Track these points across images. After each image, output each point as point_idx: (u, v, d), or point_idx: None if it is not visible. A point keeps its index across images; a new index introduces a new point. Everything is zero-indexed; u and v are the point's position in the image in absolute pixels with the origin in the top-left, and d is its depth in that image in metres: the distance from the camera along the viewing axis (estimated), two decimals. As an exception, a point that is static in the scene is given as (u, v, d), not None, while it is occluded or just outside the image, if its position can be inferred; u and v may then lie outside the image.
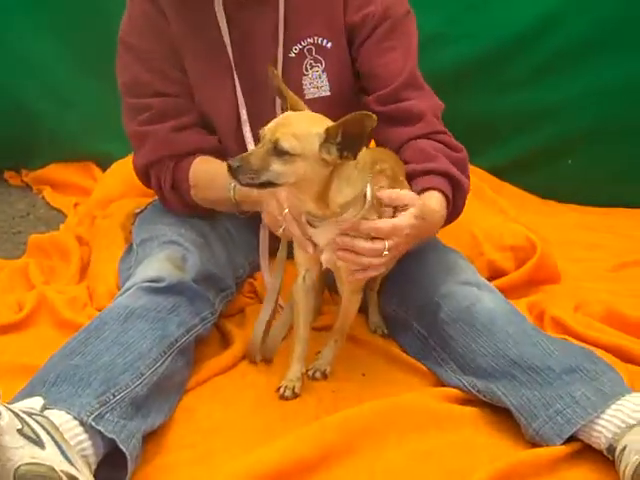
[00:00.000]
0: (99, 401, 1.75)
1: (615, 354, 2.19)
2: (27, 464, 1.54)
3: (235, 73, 2.32)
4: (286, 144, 1.73)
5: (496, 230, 2.75)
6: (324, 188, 1.81)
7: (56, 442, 1.61)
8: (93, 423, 1.70)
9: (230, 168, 1.74)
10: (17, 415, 1.59)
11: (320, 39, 2.29)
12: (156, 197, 2.51)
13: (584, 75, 3.35)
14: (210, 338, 2.26)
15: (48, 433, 1.61)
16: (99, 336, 1.93)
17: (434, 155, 2.18)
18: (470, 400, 2.04)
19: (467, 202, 2.29)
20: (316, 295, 2.30)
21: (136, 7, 2.34)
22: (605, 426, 1.79)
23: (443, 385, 2.11)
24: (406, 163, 2.19)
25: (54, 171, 3.75)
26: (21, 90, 3.66)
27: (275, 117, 2.26)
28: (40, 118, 3.69)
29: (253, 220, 2.36)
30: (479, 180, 3.29)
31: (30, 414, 1.63)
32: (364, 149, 1.80)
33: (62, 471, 1.56)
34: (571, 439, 1.84)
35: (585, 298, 2.51)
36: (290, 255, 2.11)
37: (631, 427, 1.75)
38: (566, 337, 2.25)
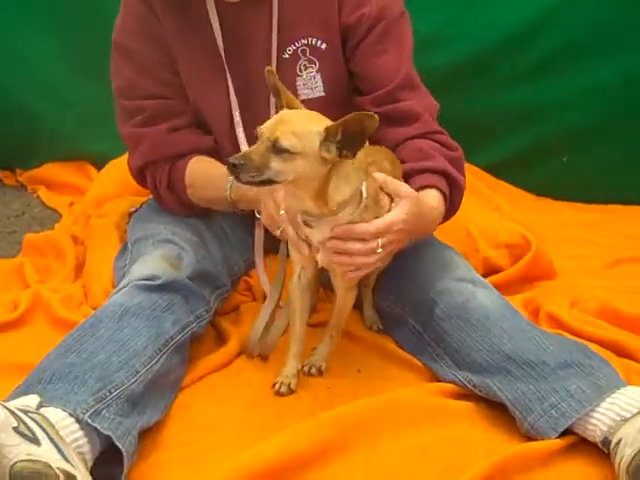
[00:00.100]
0: (95, 398, 1.76)
1: (610, 349, 2.19)
2: (23, 461, 1.54)
3: (228, 74, 2.32)
4: (286, 142, 1.73)
5: (491, 227, 2.75)
6: (322, 186, 1.82)
7: (52, 439, 1.61)
8: (89, 420, 1.71)
9: (231, 166, 1.73)
10: (13, 413, 1.60)
11: (314, 40, 2.29)
12: (151, 196, 2.52)
13: (579, 74, 3.36)
14: (205, 336, 2.26)
15: (44, 430, 1.62)
16: (94, 334, 1.93)
17: (431, 154, 2.19)
18: (465, 395, 2.04)
19: (464, 200, 2.30)
20: (312, 293, 2.30)
21: (129, 9, 2.34)
22: (600, 419, 1.80)
23: (438, 380, 2.11)
24: (403, 162, 2.19)
25: (49, 170, 3.74)
26: (17, 90, 3.65)
27: (269, 117, 2.27)
28: (35, 118, 3.68)
29: (248, 218, 2.37)
30: (475, 178, 3.29)
31: (26, 412, 1.63)
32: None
33: (58, 468, 1.56)
34: (566, 432, 1.84)
35: (580, 295, 2.52)
36: (289, 255, 2.11)
37: (626, 420, 1.76)
38: (561, 332, 2.25)
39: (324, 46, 2.30)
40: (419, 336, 2.21)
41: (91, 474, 1.67)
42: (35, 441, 1.59)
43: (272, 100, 2.29)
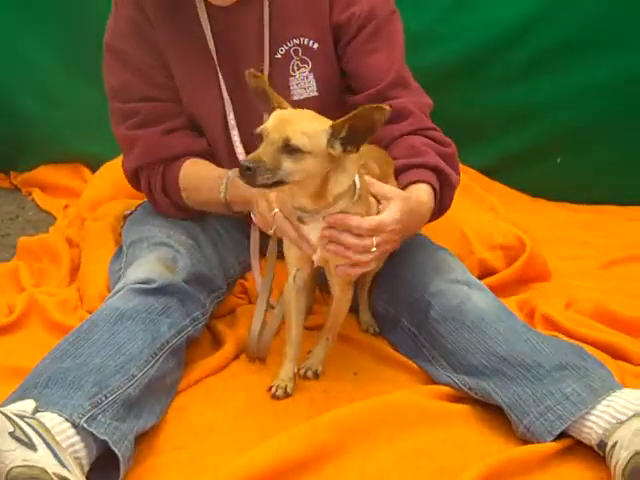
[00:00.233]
0: (91, 403, 1.75)
1: (605, 351, 2.20)
2: (19, 466, 1.54)
3: (220, 76, 2.32)
4: (298, 142, 1.73)
5: (486, 229, 2.76)
6: (323, 182, 1.82)
7: (48, 444, 1.61)
8: (85, 425, 1.70)
9: (245, 169, 1.72)
10: (9, 418, 1.60)
11: (306, 40, 2.29)
12: (146, 199, 2.51)
13: (573, 73, 3.37)
14: (201, 339, 2.26)
15: (40, 436, 1.61)
16: (90, 338, 1.93)
17: (423, 150, 2.19)
18: (461, 397, 2.04)
19: (457, 200, 2.30)
20: (307, 295, 2.30)
21: (120, 11, 2.33)
22: (596, 422, 1.80)
23: (434, 383, 2.11)
24: (395, 159, 2.20)
25: (43, 173, 3.74)
26: (11, 92, 3.66)
27: (262, 119, 2.27)
28: (29, 120, 3.69)
29: (243, 220, 2.37)
30: (469, 179, 3.30)
31: (22, 417, 1.63)
32: None
33: (54, 473, 1.56)
34: (562, 435, 1.84)
35: (575, 296, 2.52)
36: (280, 255, 2.11)
37: (622, 423, 1.76)
38: (556, 334, 2.26)
39: (316, 46, 2.30)
40: (414, 338, 2.21)
41: (87, 479, 1.67)
42: (31, 446, 1.59)
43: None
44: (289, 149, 1.74)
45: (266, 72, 2.25)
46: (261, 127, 1.79)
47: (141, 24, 2.31)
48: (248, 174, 1.72)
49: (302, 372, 2.13)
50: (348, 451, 1.83)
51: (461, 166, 2.36)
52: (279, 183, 1.75)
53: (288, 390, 2.06)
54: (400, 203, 1.92)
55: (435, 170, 2.16)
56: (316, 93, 2.32)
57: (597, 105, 3.37)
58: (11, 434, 1.57)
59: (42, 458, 1.58)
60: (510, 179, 3.55)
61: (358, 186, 1.87)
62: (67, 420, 1.70)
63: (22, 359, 2.14)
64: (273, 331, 2.20)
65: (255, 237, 2.41)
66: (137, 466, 1.80)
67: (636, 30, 3.29)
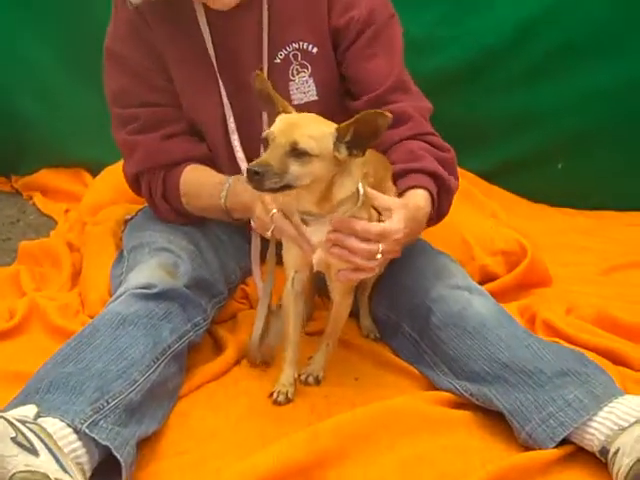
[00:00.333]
0: (93, 408, 1.75)
1: (606, 357, 2.20)
2: (21, 472, 1.54)
3: (220, 81, 2.32)
4: (305, 145, 1.74)
5: (487, 234, 2.76)
6: (328, 186, 1.82)
7: (50, 450, 1.61)
8: (87, 430, 1.71)
9: (252, 174, 1.72)
10: (11, 423, 1.60)
11: (305, 44, 2.30)
12: (146, 203, 2.51)
13: (574, 79, 3.36)
14: (203, 344, 2.26)
15: (42, 441, 1.62)
16: (91, 343, 1.93)
17: (420, 155, 2.19)
18: (463, 404, 2.04)
19: (458, 206, 2.30)
20: (307, 300, 2.30)
21: (120, 16, 2.33)
22: (598, 428, 1.80)
23: (436, 389, 2.12)
24: (393, 163, 2.20)
25: (44, 177, 3.73)
26: (11, 96, 3.65)
27: (262, 123, 2.27)
28: (30, 124, 3.68)
29: (243, 226, 2.36)
30: (469, 184, 3.30)
31: (24, 422, 1.63)
32: None
33: (56, 479, 1.56)
34: (564, 442, 1.85)
35: (576, 302, 2.52)
36: (280, 260, 2.10)
37: (624, 429, 1.76)
38: (557, 340, 2.26)
39: (315, 50, 2.30)
40: (416, 344, 2.21)
41: (89, 484, 1.68)
42: (33, 452, 1.59)
43: (265, 106, 2.30)
44: (296, 153, 1.74)
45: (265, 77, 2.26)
46: (267, 131, 1.79)
47: (140, 28, 2.31)
48: (256, 178, 1.72)
49: (303, 378, 2.13)
50: (349, 457, 1.83)
51: (462, 171, 2.36)
52: (286, 187, 1.76)
53: (289, 395, 2.06)
54: (403, 211, 1.92)
55: (433, 175, 2.16)
56: (316, 97, 2.32)
57: (599, 111, 3.36)
58: (13, 439, 1.57)
59: (44, 463, 1.58)
60: (511, 184, 3.54)
61: (361, 192, 1.88)
62: (69, 425, 1.70)
63: (23, 364, 2.14)
64: (279, 334, 2.19)
65: (256, 242, 2.41)
66: (139, 471, 1.80)
67: (638, 35, 3.29)
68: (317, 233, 1.90)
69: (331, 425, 1.88)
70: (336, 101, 2.33)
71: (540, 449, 1.84)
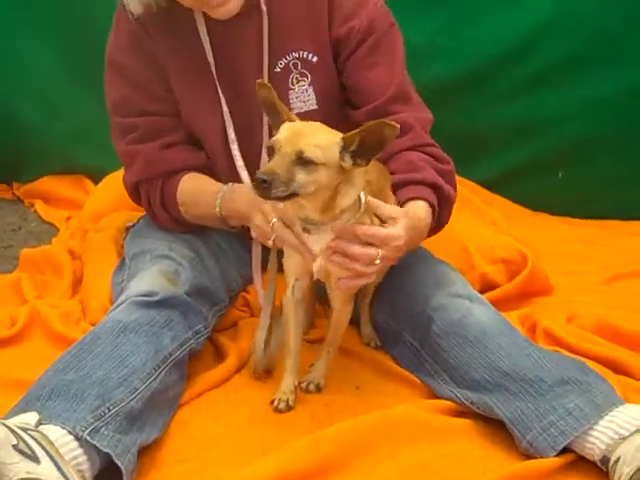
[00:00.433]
0: (94, 416, 1.76)
1: (607, 365, 2.20)
2: (23, 479, 1.55)
3: (220, 90, 2.33)
4: (312, 154, 1.74)
5: (488, 243, 2.76)
6: (332, 195, 1.83)
7: (51, 457, 1.61)
8: (88, 438, 1.71)
9: (260, 182, 1.72)
10: (12, 431, 1.60)
11: (305, 53, 2.30)
12: (146, 213, 2.51)
13: (578, 86, 3.37)
14: (204, 352, 2.26)
15: (43, 448, 1.62)
16: (93, 351, 1.93)
17: (421, 166, 2.20)
18: (463, 412, 2.04)
19: (458, 214, 2.31)
20: (308, 308, 2.31)
21: (121, 26, 2.34)
22: (599, 437, 1.81)
23: (436, 397, 2.12)
24: (393, 173, 2.20)
25: (46, 184, 3.74)
26: (13, 103, 3.66)
27: (262, 132, 2.28)
28: (32, 131, 3.69)
29: (244, 234, 2.37)
30: (470, 192, 3.31)
31: (25, 429, 1.64)
32: None
33: (57, 486, 1.56)
34: (565, 450, 1.85)
35: (577, 311, 2.52)
36: (281, 268, 2.11)
37: (624, 438, 1.76)
38: (558, 349, 2.26)
39: (315, 59, 2.30)
40: (416, 353, 2.21)
41: (90, 492, 1.68)
42: (34, 459, 1.59)
43: (265, 115, 2.30)
44: (302, 161, 1.74)
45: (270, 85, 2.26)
46: (273, 139, 1.80)
47: (141, 39, 2.32)
48: (263, 187, 1.72)
49: (304, 385, 2.13)
50: (350, 465, 1.83)
51: (462, 179, 2.37)
52: (292, 195, 1.76)
53: (290, 403, 2.06)
54: (405, 220, 1.93)
55: (433, 187, 2.17)
56: (315, 106, 2.33)
57: (600, 119, 3.37)
58: (14, 447, 1.58)
59: (45, 471, 1.58)
60: (512, 193, 3.55)
61: (363, 200, 1.88)
62: (70, 433, 1.70)
63: (24, 371, 2.14)
64: (279, 343, 2.19)
65: (257, 250, 2.42)
66: (140, 479, 1.80)
67: (638, 44, 3.29)
68: (318, 241, 1.90)
69: (332, 433, 1.88)
70: (336, 110, 2.33)
71: (541, 458, 1.84)
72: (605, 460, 1.78)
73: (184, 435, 1.97)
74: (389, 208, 1.96)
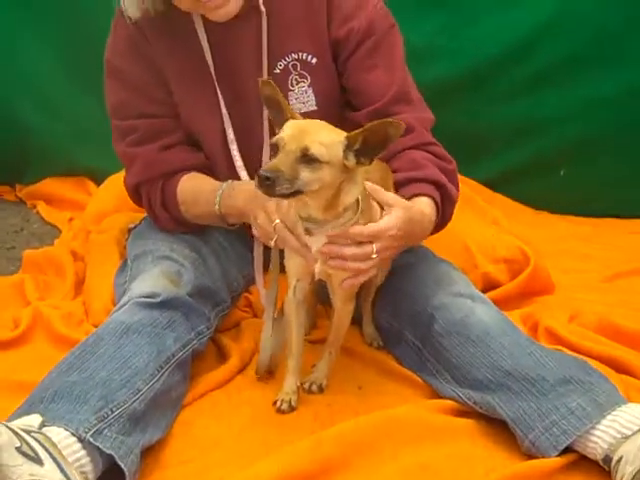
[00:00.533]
0: (97, 417, 1.76)
1: (609, 365, 2.20)
2: (26, 482, 1.55)
3: (219, 91, 2.33)
4: (316, 152, 1.75)
5: (490, 242, 2.76)
6: (335, 193, 1.83)
7: (54, 459, 1.62)
8: (91, 439, 1.71)
9: (263, 179, 1.72)
10: (15, 433, 1.60)
11: (305, 54, 2.30)
12: (147, 214, 2.52)
13: (579, 86, 3.37)
14: (206, 353, 2.26)
15: (46, 450, 1.62)
16: (96, 352, 1.94)
17: (423, 164, 2.20)
18: (466, 412, 2.04)
19: (460, 214, 2.31)
20: (310, 308, 2.31)
21: (119, 30, 2.35)
22: (601, 437, 1.80)
23: (439, 397, 2.12)
24: (396, 172, 2.21)
25: (48, 186, 3.75)
26: (15, 104, 3.67)
27: (261, 133, 2.28)
28: (34, 132, 3.70)
29: (246, 234, 2.37)
30: (472, 192, 3.31)
31: (28, 432, 1.64)
32: None
33: (61, 488, 1.57)
34: (567, 450, 1.84)
35: (579, 309, 2.52)
36: (283, 268, 2.11)
37: (627, 437, 1.76)
38: (560, 348, 2.26)
39: (315, 60, 2.31)
40: (418, 352, 2.22)
41: (93, 493, 1.68)
42: (38, 461, 1.59)
43: (265, 115, 2.30)
44: (307, 159, 1.75)
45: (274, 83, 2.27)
46: (277, 137, 1.80)
47: (139, 43, 2.33)
48: (267, 184, 1.72)
49: (307, 386, 2.14)
50: (353, 466, 1.83)
51: (463, 179, 2.37)
52: (297, 193, 1.76)
53: (292, 403, 2.06)
54: (401, 211, 1.93)
55: (436, 184, 2.17)
56: (315, 107, 2.33)
57: (600, 119, 3.37)
58: (18, 449, 1.58)
59: (49, 473, 1.59)
60: (514, 192, 3.55)
61: (361, 199, 1.89)
62: (73, 434, 1.70)
63: (27, 373, 2.15)
64: (281, 344, 2.19)
65: (259, 250, 2.42)
66: (143, 480, 1.81)
67: (639, 44, 3.29)
68: (320, 242, 1.91)
69: (334, 433, 1.88)
70: (336, 111, 2.33)
71: (543, 457, 1.84)
72: (607, 459, 1.78)
73: (187, 436, 1.97)
74: (387, 195, 1.95)
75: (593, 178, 3.46)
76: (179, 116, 2.39)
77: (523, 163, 3.53)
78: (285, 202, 1.92)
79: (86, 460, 1.70)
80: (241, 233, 2.41)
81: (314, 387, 2.14)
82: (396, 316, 2.30)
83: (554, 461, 1.82)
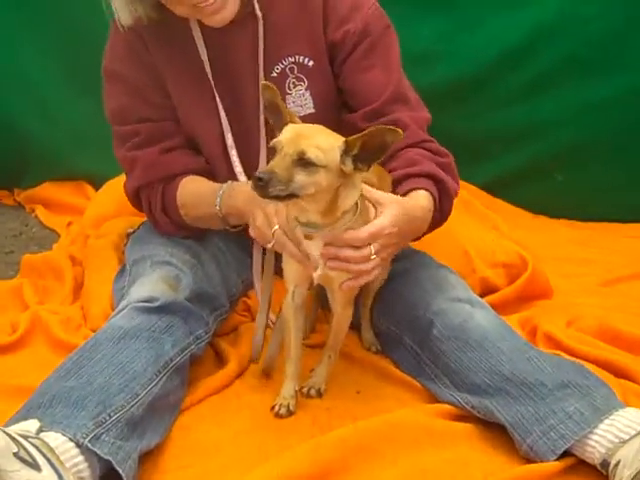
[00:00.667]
0: (95, 422, 1.76)
1: (607, 369, 2.20)
2: (24, 487, 1.55)
3: (217, 97, 2.34)
4: (312, 155, 1.75)
5: (488, 247, 2.76)
6: (333, 198, 1.83)
7: (52, 465, 1.62)
8: (89, 445, 1.71)
9: (257, 180, 1.72)
10: (13, 438, 1.60)
11: (302, 57, 2.31)
12: (147, 219, 2.52)
13: (572, 92, 3.38)
14: (204, 357, 2.26)
15: (44, 456, 1.62)
16: (94, 357, 1.94)
17: (418, 159, 2.20)
18: (464, 416, 2.04)
19: (459, 218, 2.31)
20: (310, 313, 2.31)
21: (117, 35, 2.35)
22: (599, 441, 1.81)
23: (437, 401, 2.12)
24: (393, 171, 2.21)
25: (47, 190, 3.75)
26: (13, 109, 3.67)
27: (260, 137, 2.28)
28: (32, 137, 3.70)
29: (244, 238, 2.37)
30: (471, 196, 3.31)
31: (26, 437, 1.64)
32: None
33: (58, 493, 1.57)
34: (565, 454, 1.85)
35: (577, 313, 2.52)
36: (279, 271, 2.11)
37: (625, 442, 1.77)
38: (558, 352, 2.26)
39: (311, 63, 2.31)
40: (417, 357, 2.22)
41: (92, 499, 1.68)
42: (35, 467, 1.60)
43: (262, 120, 2.31)
44: (303, 162, 1.75)
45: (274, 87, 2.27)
46: (275, 140, 1.80)
47: (137, 47, 2.33)
48: (260, 185, 1.72)
49: (305, 390, 2.14)
50: (352, 470, 1.83)
51: (463, 183, 2.37)
52: (292, 196, 1.76)
53: (291, 408, 2.06)
54: (393, 207, 1.93)
55: (433, 178, 2.17)
56: (313, 110, 2.33)
57: (598, 123, 3.38)
58: (15, 454, 1.58)
59: (46, 478, 1.59)
60: (511, 196, 3.56)
61: (359, 203, 1.89)
62: (71, 440, 1.70)
63: (25, 378, 2.15)
64: (278, 346, 2.20)
65: (257, 255, 2.42)
66: (141, 485, 1.81)
67: (637, 48, 3.30)
68: (318, 247, 1.91)
69: (333, 438, 1.88)
70: (333, 114, 2.34)
71: (541, 462, 1.84)
72: (605, 464, 1.78)
73: (185, 441, 1.97)
74: (376, 193, 1.95)
75: (590, 183, 3.47)
76: (179, 120, 2.39)
77: (521, 168, 3.53)
78: (281, 204, 1.92)
79: (84, 465, 1.70)
80: (240, 237, 2.40)
81: (313, 392, 2.14)
82: (395, 321, 2.30)
83: (552, 465, 1.83)
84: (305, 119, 2.19)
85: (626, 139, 3.40)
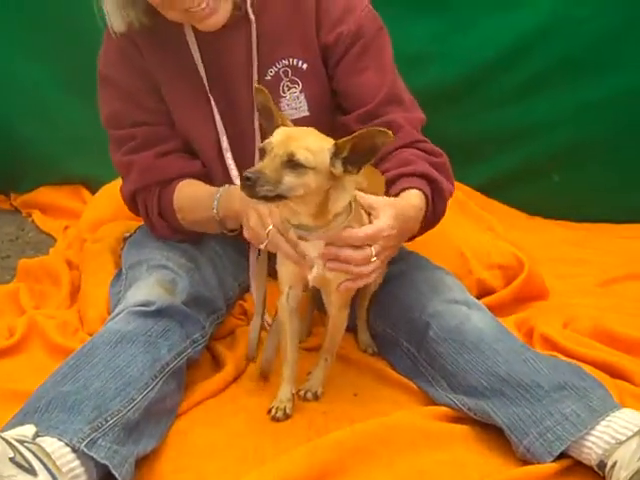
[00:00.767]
0: (91, 427, 1.76)
1: (604, 370, 2.20)
2: (20, 492, 1.55)
3: (212, 100, 2.34)
4: (301, 157, 1.75)
5: (484, 248, 2.76)
6: (323, 200, 1.83)
7: (49, 470, 1.62)
8: (85, 449, 1.71)
9: (245, 180, 1.72)
10: (9, 443, 1.60)
11: (295, 60, 2.31)
12: (144, 223, 2.52)
13: (567, 92, 3.38)
14: (201, 361, 2.26)
15: (40, 461, 1.62)
16: (90, 361, 1.94)
17: (412, 159, 2.20)
18: (461, 418, 2.04)
19: (455, 219, 2.32)
20: (306, 315, 2.31)
21: (111, 40, 2.35)
22: (595, 442, 1.81)
23: (434, 403, 2.12)
24: (386, 172, 2.21)
25: (43, 194, 3.75)
26: (9, 113, 3.67)
27: (255, 140, 2.28)
28: (29, 141, 3.70)
29: (241, 242, 2.37)
30: (466, 197, 3.32)
31: (22, 442, 1.64)
32: None
33: (55, 498, 1.57)
34: (562, 456, 1.85)
35: (573, 314, 2.52)
36: (273, 273, 2.11)
37: (621, 443, 1.77)
38: (555, 354, 2.26)
39: (305, 66, 2.31)
40: (413, 359, 2.22)
41: (88, 503, 1.68)
42: (32, 472, 1.60)
43: (257, 123, 2.31)
44: (292, 164, 1.75)
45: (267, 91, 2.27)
46: (265, 142, 1.80)
47: (131, 54, 2.34)
48: (248, 184, 1.72)
49: (302, 393, 2.13)
50: (349, 473, 1.83)
51: (458, 184, 2.36)
52: (280, 197, 1.76)
53: (287, 411, 2.06)
54: (389, 209, 1.93)
55: (426, 177, 2.17)
56: (307, 113, 2.33)
57: (592, 124, 3.38)
58: (11, 460, 1.58)
59: (43, 484, 1.59)
60: (506, 197, 3.56)
61: (353, 205, 1.89)
62: (67, 445, 1.70)
63: (22, 382, 2.15)
64: (274, 349, 2.19)
65: (254, 258, 2.42)
66: (138, 490, 1.80)
67: (631, 49, 3.30)
68: (315, 248, 1.91)
69: (330, 441, 1.88)
70: (328, 117, 2.34)
71: (538, 463, 1.84)
72: (602, 465, 1.78)
73: (182, 445, 1.97)
74: (368, 198, 1.96)
75: (585, 183, 3.47)
76: (174, 124, 2.39)
77: (515, 168, 3.54)
78: (272, 206, 1.92)
79: (80, 470, 1.70)
80: (237, 241, 2.40)
81: (309, 395, 2.14)
82: (391, 323, 2.30)
83: (549, 467, 1.82)
84: (299, 122, 2.20)
85: (620, 140, 3.40)
